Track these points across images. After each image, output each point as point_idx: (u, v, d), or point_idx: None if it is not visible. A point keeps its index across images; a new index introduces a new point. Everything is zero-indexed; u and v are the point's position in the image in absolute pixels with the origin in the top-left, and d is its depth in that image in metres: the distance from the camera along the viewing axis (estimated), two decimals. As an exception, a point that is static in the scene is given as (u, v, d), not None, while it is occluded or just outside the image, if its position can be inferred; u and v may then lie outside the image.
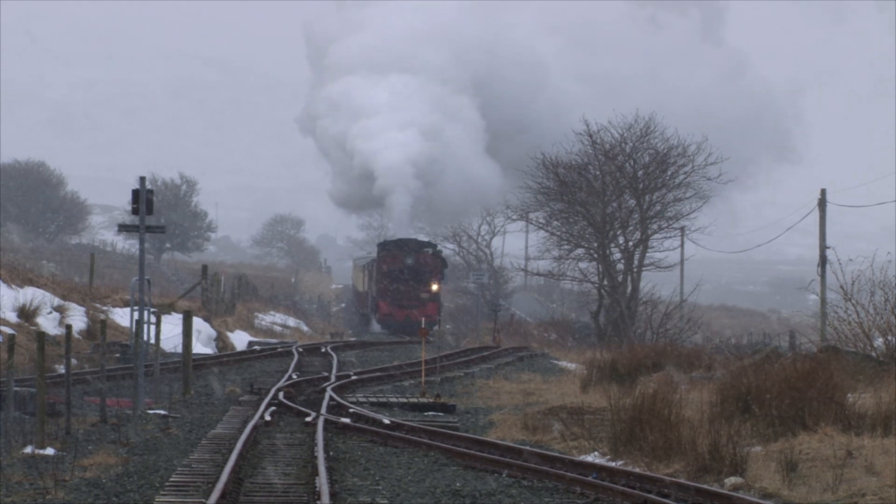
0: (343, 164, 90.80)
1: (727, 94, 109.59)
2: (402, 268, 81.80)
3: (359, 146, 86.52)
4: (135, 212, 32.50)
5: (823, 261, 55.88)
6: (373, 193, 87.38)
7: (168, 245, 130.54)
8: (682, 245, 76.99)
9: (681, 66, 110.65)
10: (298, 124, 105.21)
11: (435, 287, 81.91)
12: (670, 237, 72.85)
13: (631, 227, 70.95)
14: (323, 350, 54.84)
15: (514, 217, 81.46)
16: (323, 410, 30.72)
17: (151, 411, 31.67)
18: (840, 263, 37.43)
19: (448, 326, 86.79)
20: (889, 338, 33.55)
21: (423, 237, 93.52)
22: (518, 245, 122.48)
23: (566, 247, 72.13)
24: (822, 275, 55.46)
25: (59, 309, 48.83)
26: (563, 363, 54.23)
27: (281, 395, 34.07)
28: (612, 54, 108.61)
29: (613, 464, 23.87)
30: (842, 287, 36.16)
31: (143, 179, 33.13)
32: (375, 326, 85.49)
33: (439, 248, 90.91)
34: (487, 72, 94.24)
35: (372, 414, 31.02)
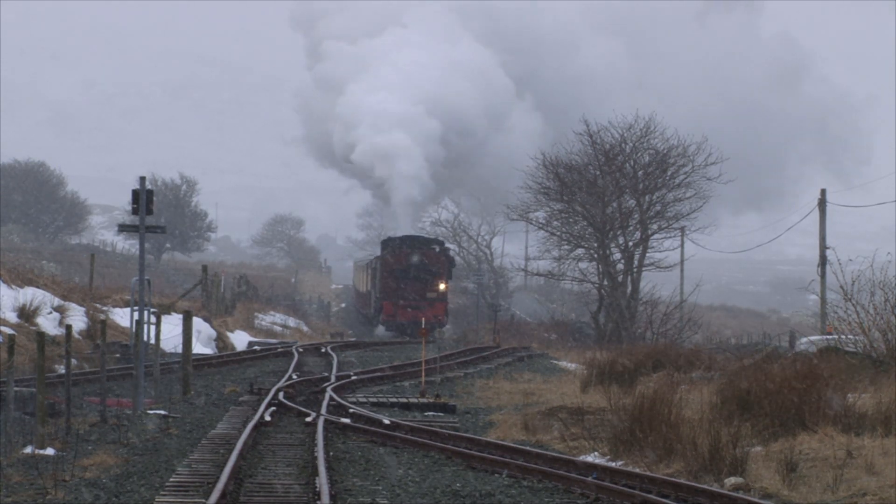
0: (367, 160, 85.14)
1: (782, 101, 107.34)
2: (408, 266, 77.54)
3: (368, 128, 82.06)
4: (135, 212, 32.50)
5: (823, 261, 55.95)
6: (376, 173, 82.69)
7: (168, 245, 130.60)
8: (682, 245, 77.07)
9: (733, 69, 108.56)
10: (308, 153, 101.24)
11: (442, 286, 77.94)
12: (670, 237, 72.97)
13: (631, 228, 71.02)
14: (323, 350, 54.86)
15: (514, 217, 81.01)
16: (323, 410, 30.71)
17: (151, 411, 31.66)
18: (840, 263, 37.42)
19: (447, 327, 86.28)
20: (889, 337, 33.55)
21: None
22: (518, 245, 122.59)
23: (566, 247, 72.22)
24: (822, 275, 55.52)
25: (59, 309, 48.84)
26: (563, 363, 54.21)
27: (281, 395, 34.06)
28: (662, 56, 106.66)
29: (613, 464, 23.87)
30: (842, 287, 36.16)
31: (143, 179, 33.12)
32: (380, 329, 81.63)
33: (446, 245, 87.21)
34: (530, 74, 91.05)
35: (372, 414, 31.01)
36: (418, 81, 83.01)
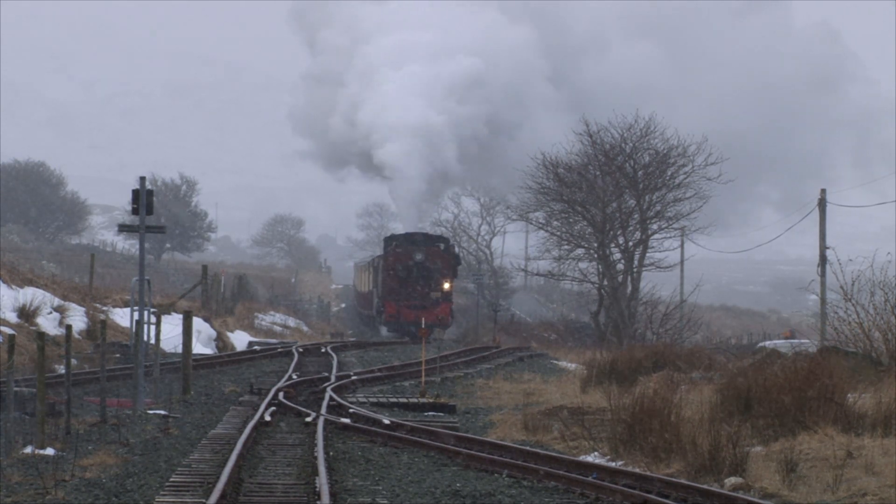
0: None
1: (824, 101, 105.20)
2: (411, 264, 73.94)
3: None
4: (135, 212, 32.49)
5: (823, 261, 55.88)
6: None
7: (168, 245, 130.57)
8: (682, 245, 77.06)
9: (772, 70, 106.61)
10: (317, 163, 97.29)
11: (447, 286, 74.75)
12: (670, 237, 72.95)
13: (631, 228, 71.02)
14: (323, 350, 54.85)
15: (514, 217, 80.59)
16: (323, 410, 30.72)
17: (151, 411, 31.67)
18: (840, 263, 37.43)
19: (451, 329, 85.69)
20: (889, 337, 33.56)
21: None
22: (518, 245, 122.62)
23: (566, 247, 72.20)
24: (822, 275, 55.45)
25: (59, 309, 48.84)
26: (563, 363, 54.23)
27: (281, 395, 34.07)
28: (698, 57, 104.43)
29: (613, 464, 23.87)
30: (842, 287, 36.16)
31: (143, 179, 33.11)
32: (383, 331, 79.05)
33: (452, 243, 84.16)
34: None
35: (372, 414, 31.02)
36: (453, 41, 79.30)
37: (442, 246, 77.22)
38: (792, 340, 53.32)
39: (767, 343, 52.42)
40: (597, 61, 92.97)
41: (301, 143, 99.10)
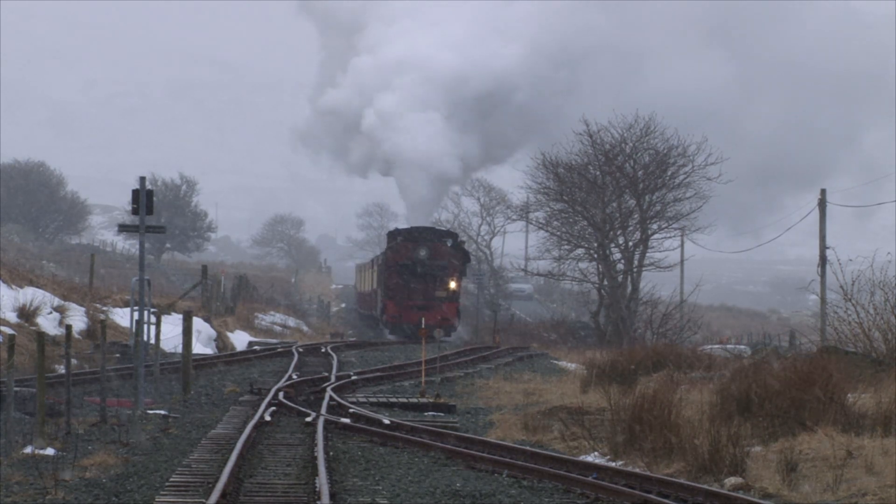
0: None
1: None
2: (416, 261, 69.96)
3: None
4: (135, 212, 32.49)
5: (823, 261, 55.89)
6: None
7: (168, 245, 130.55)
8: (682, 245, 77.06)
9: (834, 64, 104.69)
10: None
11: (454, 285, 70.98)
12: (670, 237, 72.97)
13: (631, 227, 71.06)
14: (323, 350, 54.82)
15: (514, 217, 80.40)
16: (323, 410, 30.72)
17: (151, 411, 31.67)
18: (840, 263, 37.47)
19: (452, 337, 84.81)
20: (889, 337, 33.58)
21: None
22: (518, 245, 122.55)
23: (566, 247, 72.22)
24: (822, 275, 55.46)
25: (59, 309, 48.83)
26: (563, 363, 54.21)
27: (281, 395, 34.07)
28: (763, 56, 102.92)
29: (613, 464, 23.87)
30: (842, 287, 36.18)
31: (143, 179, 33.09)
32: (386, 332, 75.71)
33: (460, 238, 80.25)
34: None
35: (372, 414, 31.02)
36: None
37: (449, 242, 73.28)
38: (728, 346, 54.99)
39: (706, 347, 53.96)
40: (661, 64, 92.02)
41: (303, 153, 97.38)
